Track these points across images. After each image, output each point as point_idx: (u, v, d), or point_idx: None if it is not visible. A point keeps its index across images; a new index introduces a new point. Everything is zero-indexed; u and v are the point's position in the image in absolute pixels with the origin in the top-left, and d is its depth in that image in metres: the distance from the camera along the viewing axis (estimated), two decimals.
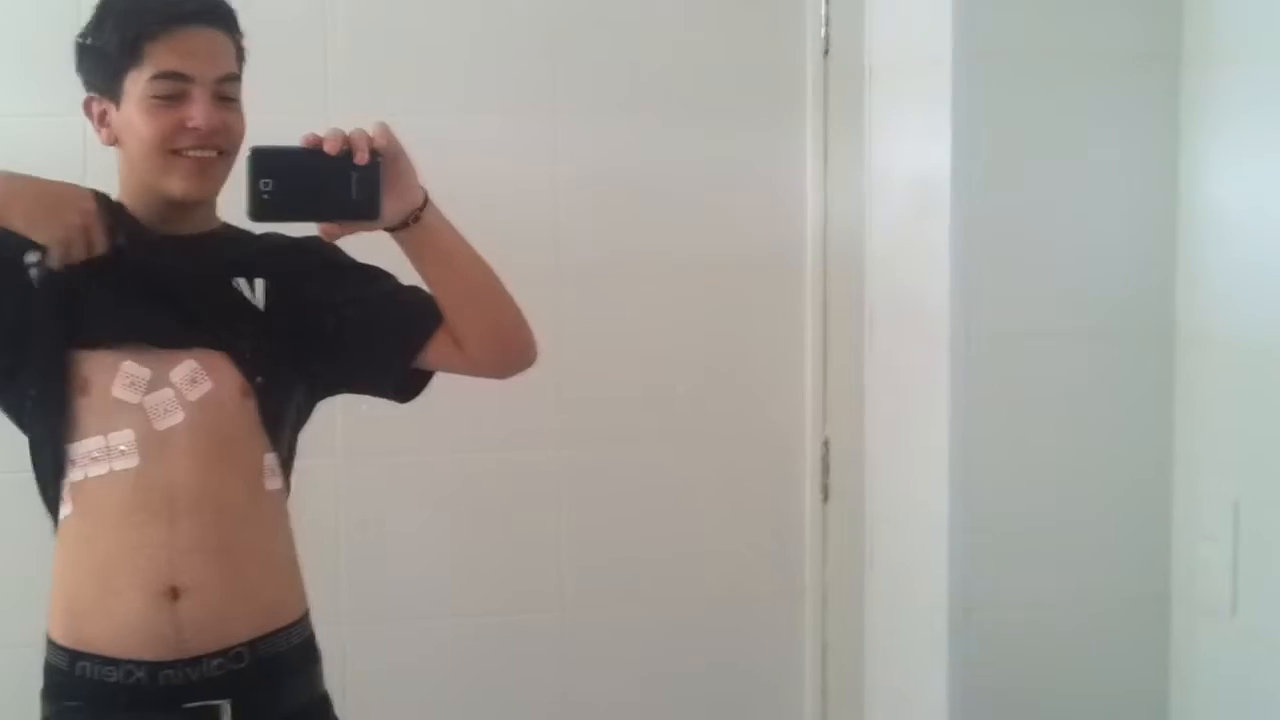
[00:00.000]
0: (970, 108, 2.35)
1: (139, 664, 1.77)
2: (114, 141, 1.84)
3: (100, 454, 1.78)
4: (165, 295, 1.84)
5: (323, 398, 1.97)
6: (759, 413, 2.85)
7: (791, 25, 2.77)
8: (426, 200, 1.80)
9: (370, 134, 1.73)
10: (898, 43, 2.59)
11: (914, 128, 2.52)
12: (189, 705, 1.79)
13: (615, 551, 2.79)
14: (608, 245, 2.72)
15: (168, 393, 1.80)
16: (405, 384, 1.97)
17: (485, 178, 2.55)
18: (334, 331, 1.90)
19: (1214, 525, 2.32)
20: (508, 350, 1.94)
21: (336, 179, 1.73)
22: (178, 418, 1.79)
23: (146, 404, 1.79)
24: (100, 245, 1.76)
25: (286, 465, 1.92)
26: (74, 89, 1.84)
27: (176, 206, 1.83)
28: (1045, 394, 2.43)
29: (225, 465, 1.83)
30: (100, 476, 1.78)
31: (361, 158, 1.71)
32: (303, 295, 1.90)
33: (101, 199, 1.79)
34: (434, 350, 1.91)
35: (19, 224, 1.73)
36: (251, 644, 1.83)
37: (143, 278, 1.83)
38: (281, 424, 1.89)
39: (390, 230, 1.79)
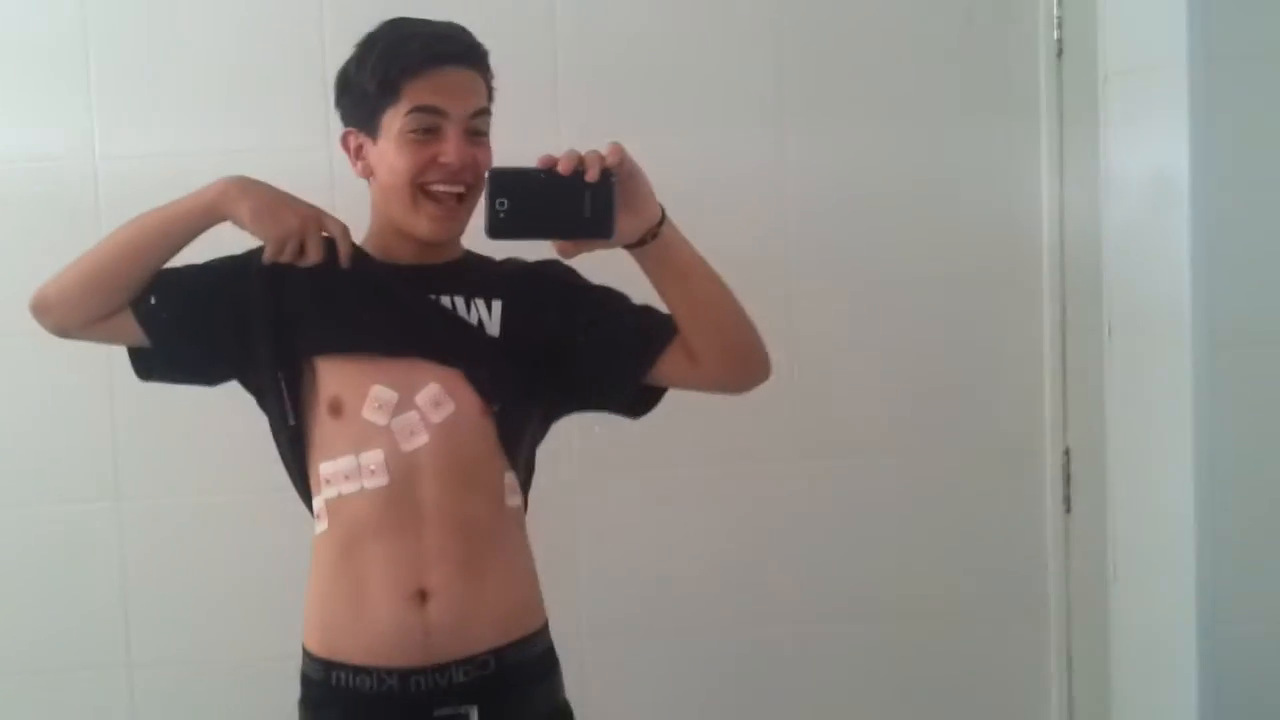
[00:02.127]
0: (1207, 107, 2.29)
1: (390, 671, 1.85)
2: (368, 175, 1.92)
3: (352, 473, 1.87)
4: (404, 320, 1.92)
5: (560, 416, 2.02)
6: (997, 423, 2.80)
7: (1024, 27, 2.73)
8: (663, 217, 1.82)
9: (603, 153, 1.76)
10: (1132, 42, 2.53)
11: (1150, 129, 2.45)
12: (439, 713, 1.85)
13: (852, 566, 2.78)
14: (839, 255, 2.71)
15: (413, 415, 1.87)
16: (638, 401, 2.00)
17: (714, 191, 2.59)
18: (569, 353, 1.94)
19: None
20: (743, 366, 1.94)
21: (570, 198, 1.76)
22: (423, 439, 1.87)
23: (394, 426, 1.87)
24: (314, 253, 1.85)
25: (525, 483, 1.98)
26: (321, 123, 1.93)
27: (422, 242, 1.91)
28: None
29: (468, 484, 1.89)
30: (351, 494, 1.87)
31: (593, 176, 1.74)
32: (539, 318, 1.95)
33: (335, 223, 1.89)
34: (667, 367, 1.93)
35: (244, 216, 1.84)
36: (496, 652, 1.89)
37: (382, 302, 1.92)
38: (520, 444, 1.95)
39: (627, 247, 1.82)
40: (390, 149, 1.86)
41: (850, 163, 2.72)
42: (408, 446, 1.87)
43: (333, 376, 1.89)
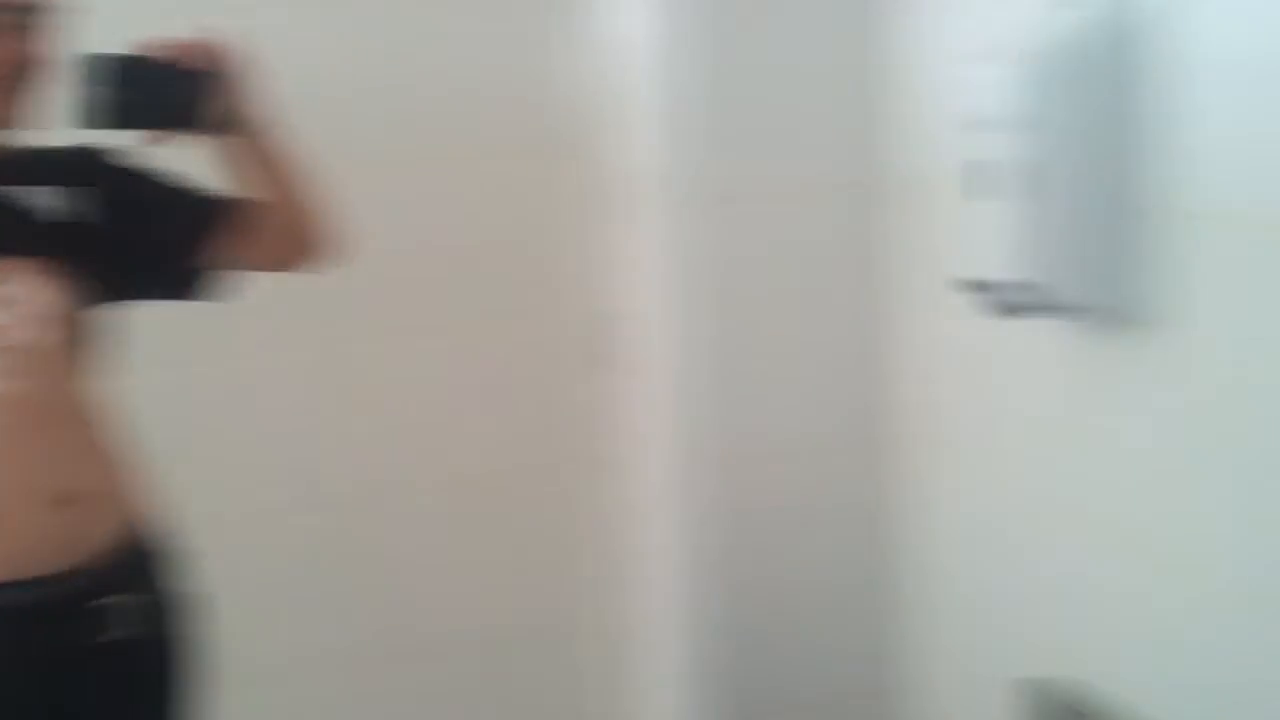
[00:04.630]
0: None
1: (29, 582, 1.81)
2: None
3: None
4: None
5: (129, 302, 1.99)
6: (536, 289, 2.94)
7: None
8: (254, 106, 1.86)
9: (199, 41, 1.77)
10: None
11: None
12: (77, 610, 1.85)
13: (414, 435, 2.91)
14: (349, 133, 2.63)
15: None
16: (200, 286, 2.04)
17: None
18: (129, 238, 1.94)
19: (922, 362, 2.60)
20: (315, 249, 2.03)
21: (164, 87, 1.76)
22: None
23: None
24: None
25: (103, 371, 1.95)
26: None
27: None
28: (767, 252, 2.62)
29: (48, 380, 1.85)
30: None
31: (194, 64, 1.76)
32: (96, 203, 1.92)
33: None
34: (232, 250, 1.98)
35: None
36: (120, 544, 1.90)
37: None
38: (91, 334, 1.92)
39: (216, 136, 1.85)
40: None
41: (344, 38, 2.71)
42: None
43: None
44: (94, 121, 1.75)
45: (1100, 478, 2.13)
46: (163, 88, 1.76)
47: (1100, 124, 1.93)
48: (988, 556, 2.48)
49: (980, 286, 2.12)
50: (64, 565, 1.83)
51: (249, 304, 2.12)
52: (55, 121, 1.82)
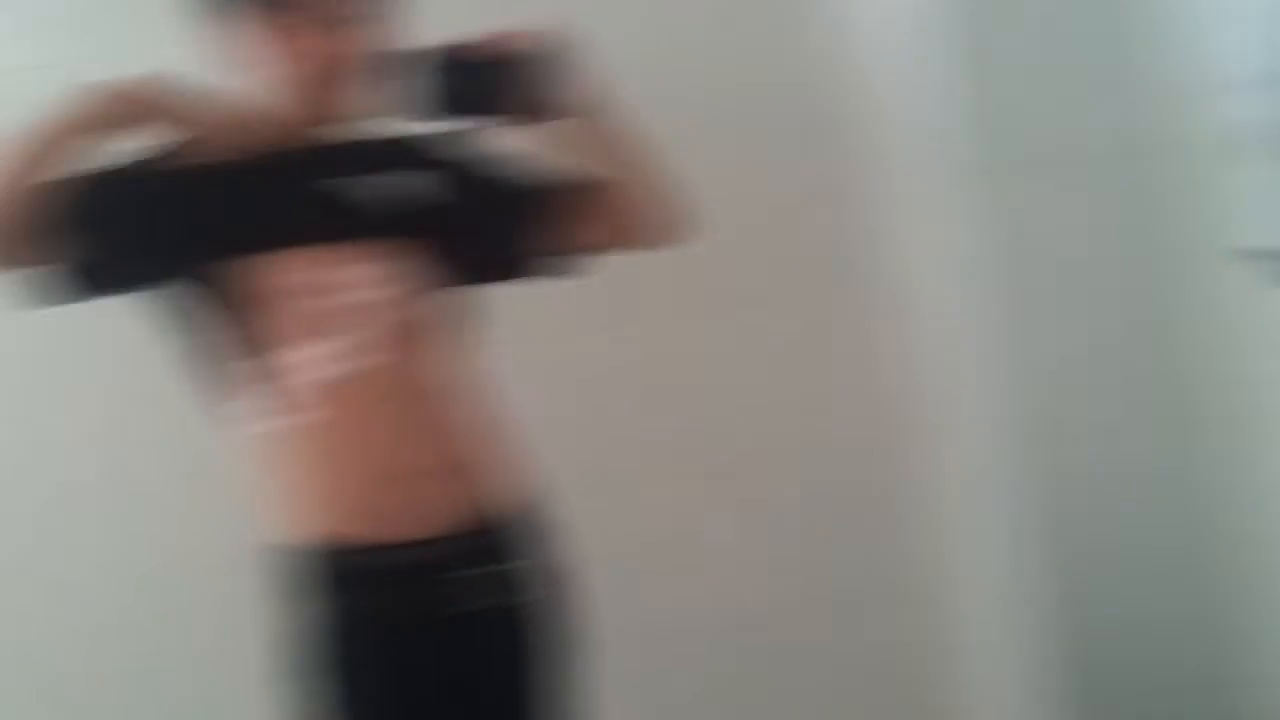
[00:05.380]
0: None
1: (390, 547, 1.86)
2: (235, 67, 1.89)
3: (307, 362, 1.86)
4: (321, 199, 1.92)
5: (476, 283, 2.02)
6: (824, 271, 2.80)
7: None
8: (583, 91, 1.88)
9: (527, 32, 1.80)
10: None
11: None
12: (444, 577, 1.88)
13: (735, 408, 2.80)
14: None
15: (358, 294, 1.88)
16: (544, 265, 2.06)
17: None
18: (472, 218, 1.98)
19: None
20: (658, 226, 2.04)
21: (503, 77, 1.80)
22: (370, 318, 1.88)
23: (342, 307, 1.87)
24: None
25: (474, 351, 2.00)
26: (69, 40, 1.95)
27: (306, 120, 1.90)
28: None
29: (419, 357, 1.92)
30: (313, 381, 1.86)
31: (529, 56, 1.79)
32: (441, 188, 1.97)
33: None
34: (576, 230, 2.02)
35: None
36: (487, 515, 1.92)
37: (292, 188, 1.91)
38: (463, 312, 1.99)
39: (552, 121, 1.87)
40: (251, 42, 1.85)
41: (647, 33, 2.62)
42: (358, 328, 1.87)
43: (263, 269, 1.87)
44: (432, 112, 1.79)
45: None
46: (500, 78, 1.80)
47: None
48: None
49: (1268, 255, 1.91)
50: (420, 534, 1.87)
51: (584, 283, 2.13)
52: (392, 111, 1.88)
